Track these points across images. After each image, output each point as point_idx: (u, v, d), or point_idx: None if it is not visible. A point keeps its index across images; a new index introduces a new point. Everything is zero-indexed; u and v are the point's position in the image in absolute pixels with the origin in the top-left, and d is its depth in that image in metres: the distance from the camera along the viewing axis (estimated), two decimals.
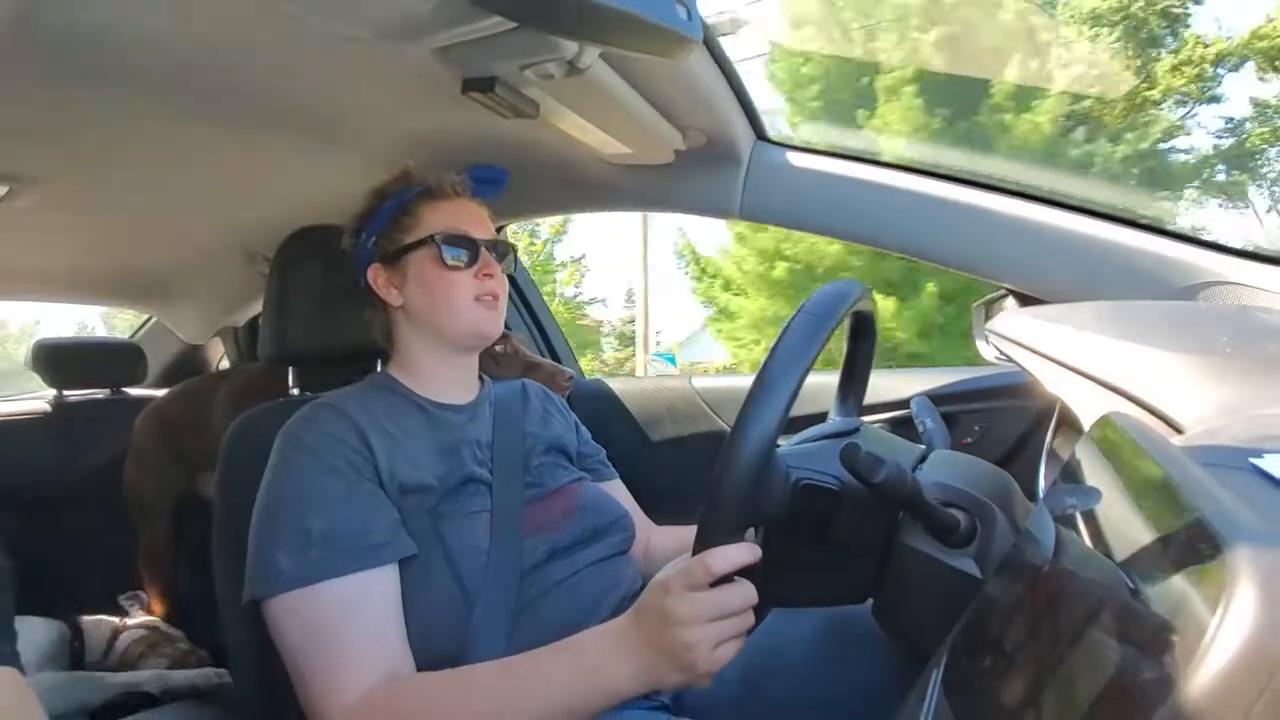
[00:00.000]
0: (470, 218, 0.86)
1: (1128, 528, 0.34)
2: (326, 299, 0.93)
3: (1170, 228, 0.90)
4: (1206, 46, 9.68)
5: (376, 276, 0.86)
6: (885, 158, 1.08)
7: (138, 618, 1.48)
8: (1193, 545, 0.27)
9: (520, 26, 0.70)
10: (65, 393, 1.85)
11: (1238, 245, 0.87)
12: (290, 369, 1.05)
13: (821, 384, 1.11)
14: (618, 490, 1.01)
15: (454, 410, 0.87)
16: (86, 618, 1.42)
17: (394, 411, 0.81)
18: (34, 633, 1.29)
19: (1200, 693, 0.21)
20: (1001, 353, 0.81)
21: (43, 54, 0.76)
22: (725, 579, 0.56)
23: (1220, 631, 0.21)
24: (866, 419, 0.79)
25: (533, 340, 1.75)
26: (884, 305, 6.38)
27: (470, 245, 0.84)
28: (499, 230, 1.61)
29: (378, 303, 0.88)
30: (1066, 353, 0.65)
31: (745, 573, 0.57)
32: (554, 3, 0.57)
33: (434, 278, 0.83)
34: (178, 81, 0.85)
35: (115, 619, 1.45)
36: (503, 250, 0.88)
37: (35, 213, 1.20)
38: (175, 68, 0.81)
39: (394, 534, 0.72)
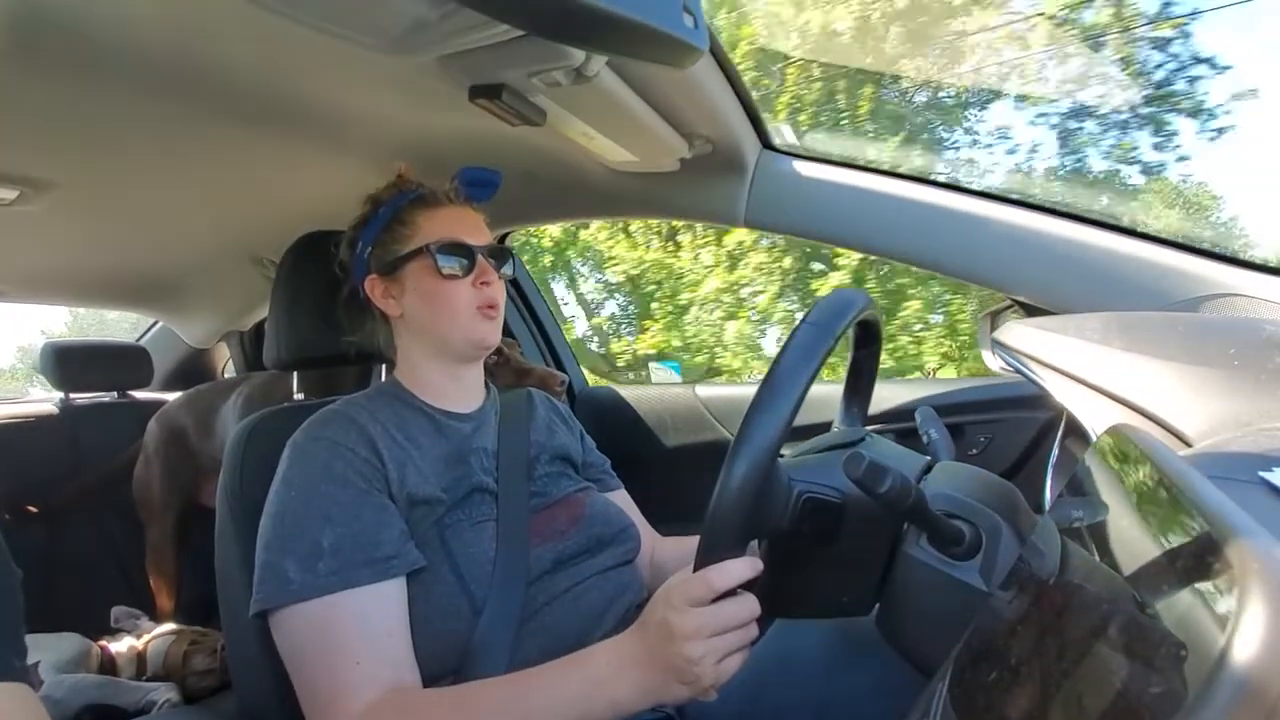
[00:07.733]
0: (466, 224, 0.85)
1: (1134, 541, 0.34)
2: (331, 304, 0.93)
3: (1177, 239, 0.90)
4: None
5: (374, 288, 0.85)
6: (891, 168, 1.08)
7: (150, 630, 1.47)
8: (1201, 559, 0.27)
9: (528, 35, 0.70)
10: (72, 396, 1.87)
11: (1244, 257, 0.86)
12: (294, 374, 1.06)
13: (826, 394, 1.11)
14: (623, 500, 1.00)
15: (460, 419, 0.86)
16: (108, 642, 1.41)
17: (403, 421, 0.81)
18: (62, 650, 1.29)
19: (1210, 709, 0.21)
20: (1007, 363, 0.81)
21: (55, 60, 0.76)
22: (728, 592, 0.56)
23: (1230, 647, 0.21)
24: (871, 429, 0.78)
25: (535, 345, 1.76)
26: None
27: (466, 253, 0.82)
28: (503, 238, 1.61)
29: (378, 313, 0.88)
30: (1073, 364, 0.65)
31: (749, 585, 0.57)
32: (562, 11, 0.58)
33: (431, 288, 0.82)
34: (187, 87, 0.85)
35: (132, 637, 1.43)
36: (501, 256, 0.86)
37: (45, 217, 1.21)
38: (185, 74, 0.82)
39: (403, 546, 0.72)
